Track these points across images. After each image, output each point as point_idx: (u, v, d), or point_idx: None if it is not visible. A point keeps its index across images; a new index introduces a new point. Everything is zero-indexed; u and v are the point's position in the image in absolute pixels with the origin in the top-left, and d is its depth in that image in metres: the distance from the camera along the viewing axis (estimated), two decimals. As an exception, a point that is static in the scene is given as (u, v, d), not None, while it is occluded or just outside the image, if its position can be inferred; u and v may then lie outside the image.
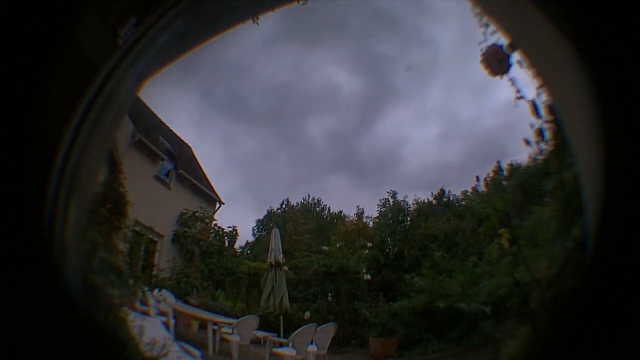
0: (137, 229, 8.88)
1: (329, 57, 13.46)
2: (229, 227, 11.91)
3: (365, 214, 14.37)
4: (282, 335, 8.41)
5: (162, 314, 6.79)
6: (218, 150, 16.22)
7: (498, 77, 2.55)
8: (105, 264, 3.39)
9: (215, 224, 11.90)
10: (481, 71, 2.53)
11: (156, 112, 9.77)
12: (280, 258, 9.06)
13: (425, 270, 9.34)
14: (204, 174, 12.73)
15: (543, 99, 2.25)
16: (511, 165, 10.62)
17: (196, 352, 5.21)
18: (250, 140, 16.34)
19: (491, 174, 11.52)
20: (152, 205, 9.36)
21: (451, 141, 14.37)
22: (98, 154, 1.70)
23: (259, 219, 17.46)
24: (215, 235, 11.61)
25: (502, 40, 2.44)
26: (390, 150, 15.80)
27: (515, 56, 2.43)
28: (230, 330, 7.11)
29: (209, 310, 8.81)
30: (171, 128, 11.60)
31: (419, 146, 15.09)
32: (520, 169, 9.02)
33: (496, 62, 2.49)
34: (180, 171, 11.42)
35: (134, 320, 3.02)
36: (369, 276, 10.50)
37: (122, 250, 3.99)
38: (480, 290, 7.45)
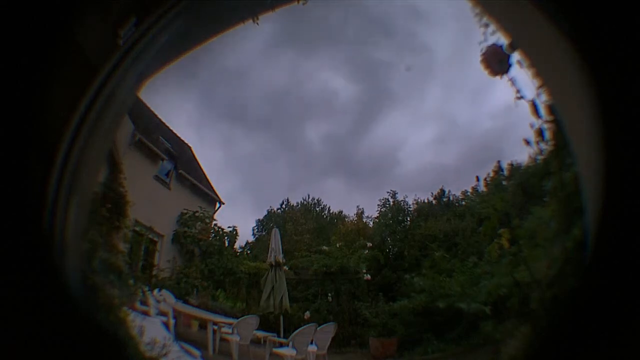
0: (137, 229, 8.88)
1: (326, 63, 13.49)
2: (229, 227, 11.93)
3: (365, 214, 14.37)
4: (282, 335, 8.40)
5: (162, 314, 6.79)
6: (218, 151, 16.23)
7: (498, 77, 2.55)
8: (105, 264, 3.39)
9: (215, 224, 11.91)
10: (477, 74, 2.54)
11: (156, 112, 9.76)
12: (280, 258, 9.06)
13: (425, 270, 9.34)
14: (204, 174, 12.72)
15: (543, 99, 2.26)
16: (511, 165, 10.62)
17: (196, 352, 5.22)
18: (250, 144, 16.34)
19: (491, 174, 11.52)
20: (152, 205, 9.36)
21: (448, 144, 14.39)
22: (98, 154, 1.70)
23: (259, 219, 17.45)
24: (215, 235, 11.61)
25: (502, 40, 2.44)
26: (387, 153, 15.81)
27: (515, 56, 2.43)
28: (230, 330, 7.11)
29: (209, 310, 8.81)
30: (171, 128, 11.60)
31: (416, 149, 15.12)
32: (520, 169, 9.02)
33: (496, 62, 2.50)
34: (180, 171, 11.42)
35: (134, 320, 3.02)
36: (369, 276, 10.50)
37: (122, 250, 3.99)
38: (480, 291, 7.44)
